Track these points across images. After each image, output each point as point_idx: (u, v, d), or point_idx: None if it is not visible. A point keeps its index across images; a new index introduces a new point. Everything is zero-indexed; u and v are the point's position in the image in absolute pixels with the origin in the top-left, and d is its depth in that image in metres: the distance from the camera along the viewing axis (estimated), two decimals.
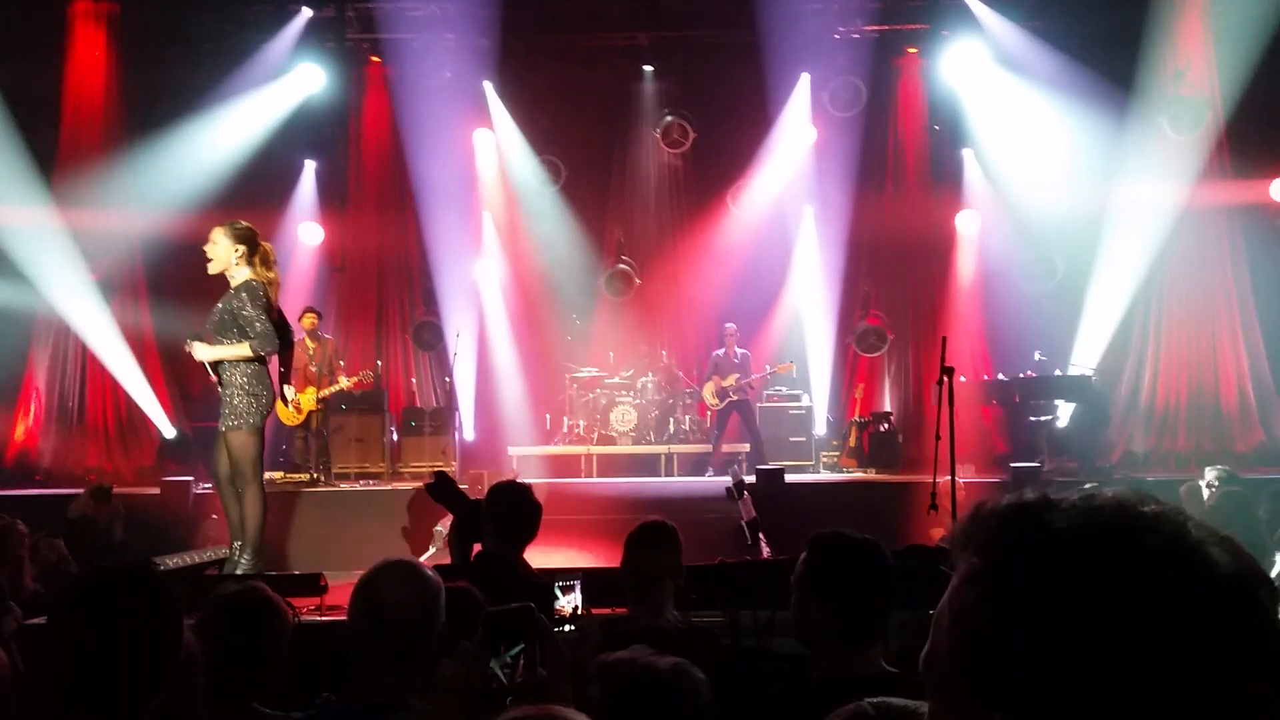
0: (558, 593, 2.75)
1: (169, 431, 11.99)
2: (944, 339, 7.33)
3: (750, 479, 10.02)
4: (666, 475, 11.80)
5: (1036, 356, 11.63)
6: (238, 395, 6.47)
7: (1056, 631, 0.84)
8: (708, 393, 12.01)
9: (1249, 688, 0.83)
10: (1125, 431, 12.04)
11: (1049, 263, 12.34)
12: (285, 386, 10.91)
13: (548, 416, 12.78)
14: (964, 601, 0.90)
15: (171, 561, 6.53)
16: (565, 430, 12.43)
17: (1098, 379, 11.63)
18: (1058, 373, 11.51)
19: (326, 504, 9.74)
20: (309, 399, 10.62)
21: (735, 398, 11.80)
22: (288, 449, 11.54)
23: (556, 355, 13.00)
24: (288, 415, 10.75)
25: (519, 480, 4.80)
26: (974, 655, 0.88)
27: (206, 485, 10.04)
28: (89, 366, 12.02)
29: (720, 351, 12.09)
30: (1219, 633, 0.83)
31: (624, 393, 12.37)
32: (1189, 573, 0.85)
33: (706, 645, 3.24)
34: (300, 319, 10.89)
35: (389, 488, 10.43)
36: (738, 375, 11.80)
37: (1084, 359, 11.93)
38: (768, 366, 12.33)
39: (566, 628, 2.70)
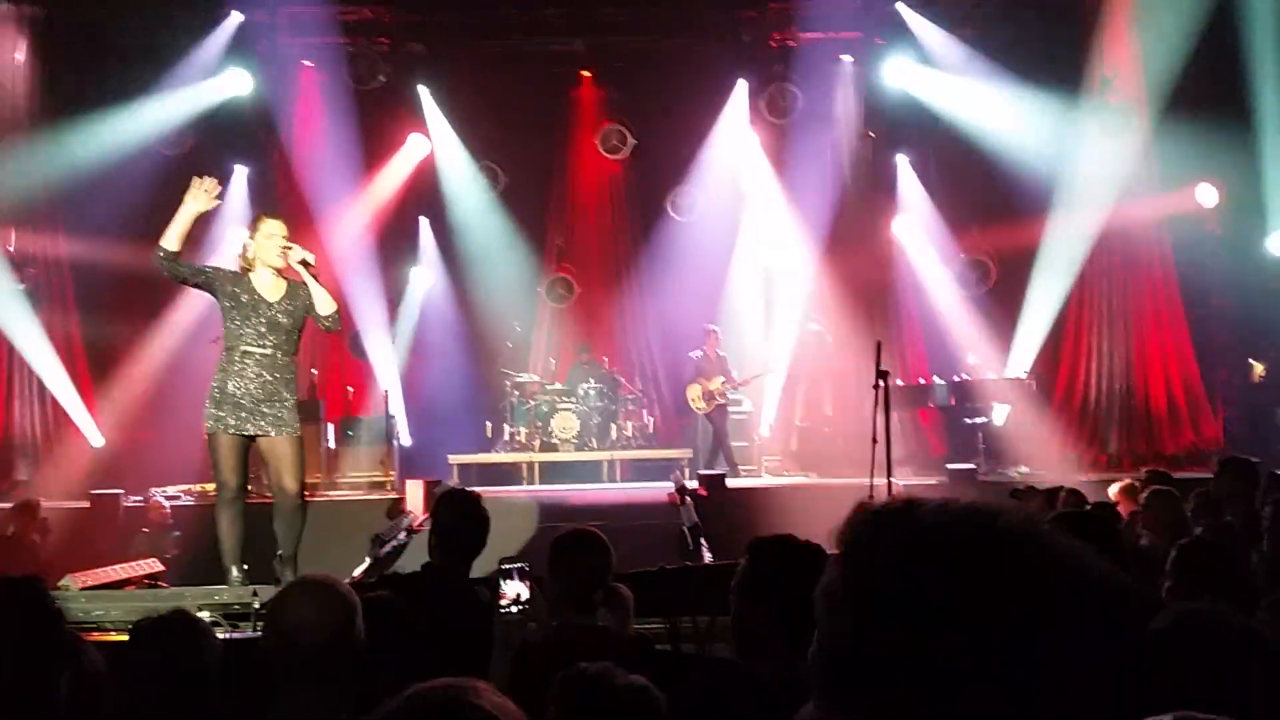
0: (500, 580, 2.71)
1: (97, 440, 11.71)
2: (879, 344, 7.41)
3: (693, 484, 10.05)
4: (609, 481, 11.78)
5: (970, 360, 11.80)
6: (295, 398, 6.05)
7: (893, 629, 0.86)
8: (694, 395, 11.84)
9: (1090, 681, 0.83)
10: (1058, 433, 12.24)
11: (982, 267, 12.53)
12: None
13: (488, 424, 12.69)
14: (822, 607, 0.94)
15: (100, 575, 6.36)
16: (506, 437, 12.36)
17: (1031, 382, 11.82)
18: (991, 376, 11.68)
19: (260, 516, 9.55)
20: None
21: (721, 401, 11.72)
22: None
23: (497, 362, 12.92)
24: None
25: (466, 489, 4.72)
26: (830, 656, 0.94)
27: (137, 498, 9.85)
28: (15, 376, 11.70)
29: (699, 353, 11.90)
30: (1057, 631, 0.83)
31: (565, 399, 12.33)
32: (1033, 574, 0.86)
33: (642, 653, 3.22)
34: None
35: (325, 498, 10.27)
36: (722, 379, 11.71)
37: (1019, 362, 12.13)
38: (746, 373, 12.31)
39: (513, 609, 2.69)
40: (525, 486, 11.56)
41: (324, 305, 6.00)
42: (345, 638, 2.16)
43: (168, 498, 9.75)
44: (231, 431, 5.88)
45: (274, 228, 6.03)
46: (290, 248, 5.96)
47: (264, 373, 5.92)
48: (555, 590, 3.29)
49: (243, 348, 5.92)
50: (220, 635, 3.36)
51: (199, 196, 5.87)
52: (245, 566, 6.04)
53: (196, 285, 6.10)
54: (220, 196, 6.03)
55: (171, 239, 5.80)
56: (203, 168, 6.07)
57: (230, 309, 5.94)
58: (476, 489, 4.36)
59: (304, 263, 5.95)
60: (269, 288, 5.99)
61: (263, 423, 5.91)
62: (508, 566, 2.67)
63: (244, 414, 5.88)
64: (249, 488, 6.29)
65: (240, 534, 6.05)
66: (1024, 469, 10.98)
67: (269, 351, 5.93)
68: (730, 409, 11.99)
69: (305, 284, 6.01)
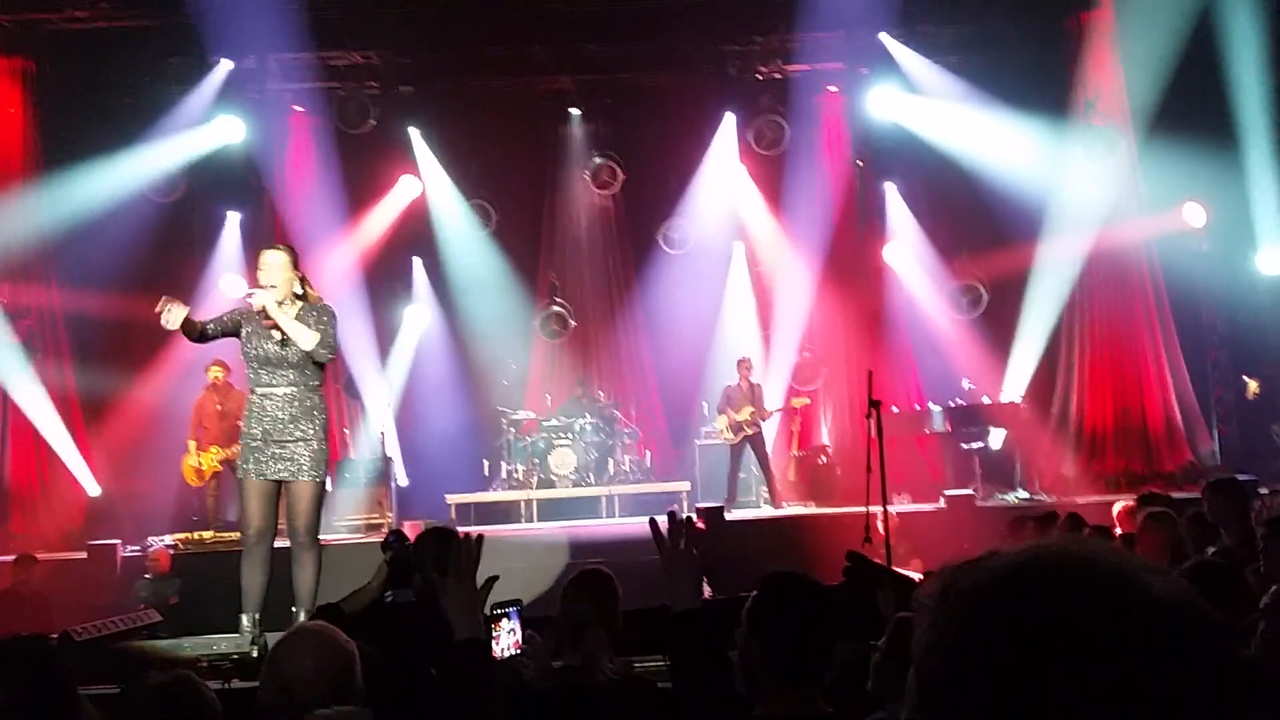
0: (491, 621, 2.68)
1: (94, 490, 11.65)
2: (870, 373, 7.43)
3: (691, 517, 10.02)
4: (608, 517, 11.73)
5: (965, 385, 11.81)
6: (321, 439, 5.90)
7: (997, 667, 0.84)
8: (721, 425, 11.80)
9: (1197, 716, 0.83)
10: (1055, 455, 12.24)
11: (974, 292, 12.56)
12: (190, 443, 10.75)
13: (485, 462, 12.66)
14: (918, 649, 0.92)
15: (95, 628, 6.30)
16: (504, 475, 12.32)
17: (1025, 405, 11.84)
18: (986, 400, 11.69)
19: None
20: (211, 459, 10.43)
21: (749, 432, 11.66)
22: (206, 506, 11.10)
23: (492, 400, 12.91)
24: (192, 475, 10.57)
25: (440, 526, 4.75)
26: (925, 699, 0.89)
27: (134, 548, 9.81)
28: (10, 428, 11.66)
29: (733, 383, 11.91)
30: (1163, 661, 0.83)
31: (562, 435, 12.30)
32: (1131, 603, 0.85)
33: (643, 695, 3.21)
34: (206, 371, 10.73)
35: (323, 541, 10.18)
36: (751, 409, 11.71)
37: (1014, 386, 12.14)
38: (792, 401, 12.39)
39: (507, 651, 2.66)
40: (524, 525, 11.51)
41: (304, 341, 5.76)
42: (344, 688, 2.14)
43: (168, 546, 9.71)
44: (256, 477, 5.86)
45: (261, 260, 5.87)
46: (251, 294, 5.80)
47: (281, 413, 5.83)
48: (557, 632, 3.28)
49: (258, 390, 5.88)
50: (216, 686, 3.34)
51: (166, 318, 5.58)
52: (258, 616, 5.95)
53: (231, 335, 5.97)
54: (170, 316, 5.59)
55: (186, 335, 5.79)
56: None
57: (245, 351, 5.88)
58: (477, 528, 4.36)
59: (263, 310, 5.77)
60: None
61: (280, 466, 5.85)
62: (500, 611, 2.64)
63: (265, 458, 5.84)
64: (275, 533, 6.10)
65: (262, 581, 5.96)
66: (1023, 493, 10.96)
67: (282, 390, 5.84)
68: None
69: (317, 311, 5.89)
